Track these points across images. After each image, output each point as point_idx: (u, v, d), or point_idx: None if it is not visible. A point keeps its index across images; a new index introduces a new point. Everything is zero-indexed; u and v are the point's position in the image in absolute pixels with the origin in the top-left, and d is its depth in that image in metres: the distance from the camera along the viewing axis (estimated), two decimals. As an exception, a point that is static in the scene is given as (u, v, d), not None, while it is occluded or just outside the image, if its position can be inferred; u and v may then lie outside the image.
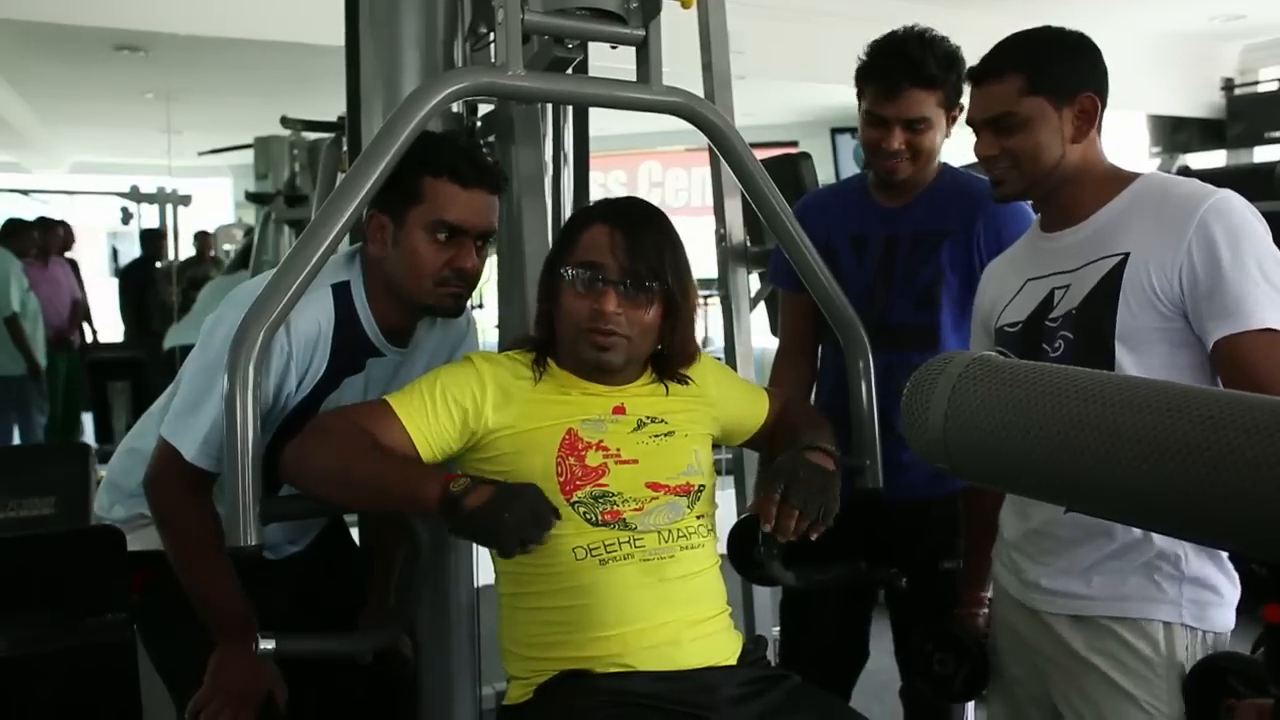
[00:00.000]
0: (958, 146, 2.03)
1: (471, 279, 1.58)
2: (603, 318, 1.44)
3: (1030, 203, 1.64)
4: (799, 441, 1.59)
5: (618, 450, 1.47)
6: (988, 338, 1.64)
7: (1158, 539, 1.44)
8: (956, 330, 1.92)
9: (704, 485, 1.53)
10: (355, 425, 1.41)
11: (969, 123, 1.59)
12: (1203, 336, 1.40)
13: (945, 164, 2.00)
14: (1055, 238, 1.55)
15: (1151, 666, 1.44)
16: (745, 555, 1.67)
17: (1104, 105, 1.51)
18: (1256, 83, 8.50)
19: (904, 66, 1.84)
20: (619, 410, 1.51)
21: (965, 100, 1.64)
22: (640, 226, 1.48)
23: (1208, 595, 1.45)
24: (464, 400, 1.45)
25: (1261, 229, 1.41)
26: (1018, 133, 1.49)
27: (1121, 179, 1.51)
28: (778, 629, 2.15)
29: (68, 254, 7.06)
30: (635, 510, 1.45)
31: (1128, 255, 1.44)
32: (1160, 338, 1.42)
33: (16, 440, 6.03)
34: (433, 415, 1.44)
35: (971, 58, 1.66)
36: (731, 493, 2.12)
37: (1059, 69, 1.49)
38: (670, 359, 1.56)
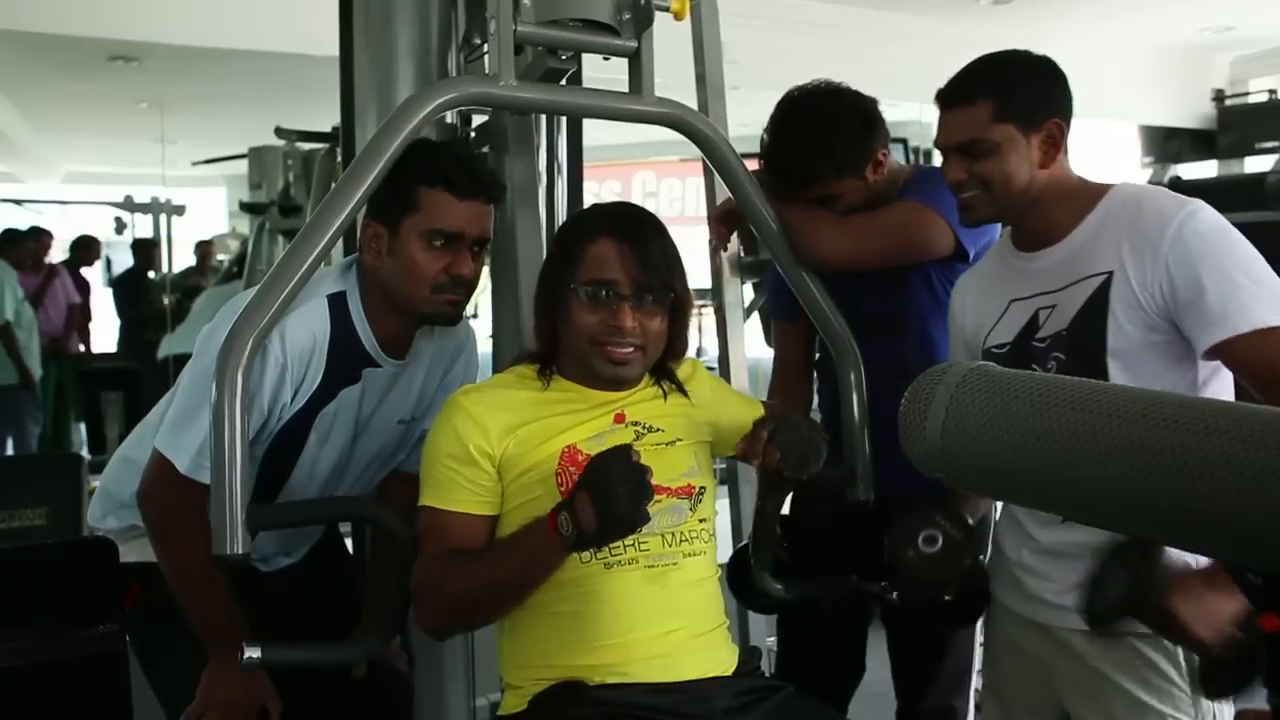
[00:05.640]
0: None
1: (469, 285, 1.58)
2: (620, 333, 1.45)
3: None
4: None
5: None
6: (969, 356, 1.63)
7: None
8: (925, 319, 1.87)
9: (704, 487, 1.53)
10: (436, 556, 1.42)
11: (936, 146, 1.58)
12: (1194, 345, 1.41)
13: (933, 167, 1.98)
14: (1034, 257, 1.55)
15: (1173, 681, 1.44)
16: (744, 580, 1.67)
17: (1068, 128, 1.51)
18: (1246, 94, 8.51)
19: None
20: (619, 419, 1.51)
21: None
22: (645, 237, 1.48)
23: None
24: (469, 448, 1.43)
25: (1236, 234, 1.42)
26: (987, 159, 1.50)
27: (1092, 193, 1.52)
28: (772, 639, 2.15)
29: (47, 260, 6.99)
30: None
31: (1111, 274, 1.45)
32: (1151, 351, 1.43)
33: (10, 451, 6.00)
34: (466, 481, 1.43)
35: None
36: (727, 502, 2.11)
37: (1027, 96, 1.49)
38: (664, 355, 1.57)
